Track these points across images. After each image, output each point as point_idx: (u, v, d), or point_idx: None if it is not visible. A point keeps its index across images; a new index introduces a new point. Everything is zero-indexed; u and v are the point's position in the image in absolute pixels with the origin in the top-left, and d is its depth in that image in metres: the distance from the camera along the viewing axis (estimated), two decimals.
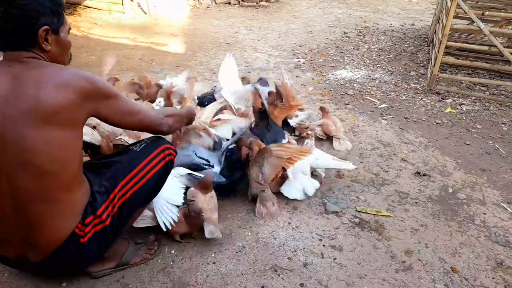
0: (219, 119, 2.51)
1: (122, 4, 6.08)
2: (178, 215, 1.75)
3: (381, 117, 3.31)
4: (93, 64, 4.05)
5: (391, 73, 4.39)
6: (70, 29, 1.34)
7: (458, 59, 4.67)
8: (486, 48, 3.94)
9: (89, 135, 2.07)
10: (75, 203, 1.30)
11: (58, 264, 1.38)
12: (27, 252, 1.30)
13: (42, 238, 1.27)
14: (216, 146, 2.29)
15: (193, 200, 1.80)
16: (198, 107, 2.64)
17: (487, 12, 3.64)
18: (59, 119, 1.16)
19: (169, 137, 2.11)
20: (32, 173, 1.17)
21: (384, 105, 3.54)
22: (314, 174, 2.32)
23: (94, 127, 2.17)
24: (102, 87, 1.26)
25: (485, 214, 2.18)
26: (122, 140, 2.16)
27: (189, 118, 1.74)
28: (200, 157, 2.11)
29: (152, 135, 1.61)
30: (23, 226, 1.24)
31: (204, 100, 2.81)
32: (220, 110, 2.65)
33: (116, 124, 1.40)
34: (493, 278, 1.75)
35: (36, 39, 1.20)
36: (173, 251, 1.76)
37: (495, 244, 1.96)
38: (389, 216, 2.10)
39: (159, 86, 2.87)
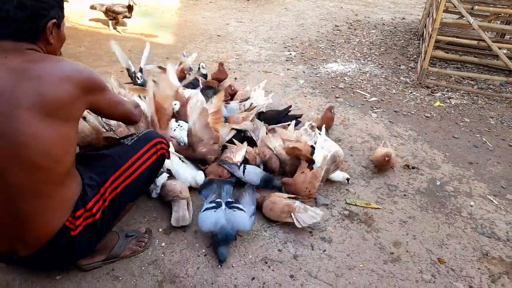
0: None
1: None
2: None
3: (371, 110, 3.33)
4: (81, 55, 3.98)
5: (382, 66, 4.41)
6: (65, 25, 1.35)
7: (447, 53, 4.72)
8: (475, 42, 3.98)
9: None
10: (67, 197, 1.29)
11: (48, 258, 1.37)
12: (17, 246, 1.29)
13: (33, 232, 1.25)
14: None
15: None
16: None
17: (476, 7, 3.67)
18: (61, 113, 1.16)
19: None
20: (25, 168, 1.15)
21: (374, 99, 3.56)
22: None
23: (84, 118, 2.13)
24: (99, 80, 1.28)
25: (471, 206, 2.22)
26: (112, 133, 2.14)
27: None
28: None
29: (145, 129, 1.63)
30: (13, 221, 1.22)
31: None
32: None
33: (109, 116, 1.44)
34: (478, 269, 1.79)
35: (43, 31, 1.21)
36: (163, 244, 1.76)
37: (481, 236, 2.00)
38: (378, 208, 2.12)
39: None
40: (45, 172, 1.18)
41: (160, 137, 1.59)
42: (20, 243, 1.28)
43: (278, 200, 1.92)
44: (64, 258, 1.42)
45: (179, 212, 1.84)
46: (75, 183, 1.32)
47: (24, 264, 1.48)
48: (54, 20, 1.22)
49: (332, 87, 3.74)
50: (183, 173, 2.07)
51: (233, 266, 1.67)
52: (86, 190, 1.34)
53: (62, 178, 1.24)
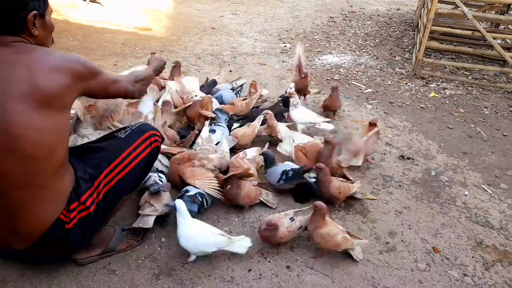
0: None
1: None
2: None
3: (366, 101, 3.33)
4: (74, 48, 3.94)
5: (377, 58, 4.40)
6: (52, 11, 1.33)
7: (442, 43, 4.71)
8: (470, 32, 3.98)
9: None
10: (61, 189, 1.29)
11: (43, 251, 1.37)
12: (12, 240, 1.28)
13: (27, 225, 1.25)
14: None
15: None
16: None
17: None
18: (55, 103, 1.16)
19: None
20: (19, 159, 1.15)
21: (369, 90, 3.56)
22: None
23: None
24: (91, 66, 1.27)
25: (466, 195, 2.24)
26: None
27: (159, 71, 1.79)
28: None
29: (138, 122, 1.61)
30: (7, 213, 1.22)
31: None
32: None
33: (103, 97, 1.46)
34: (472, 257, 1.81)
35: (25, 24, 1.19)
36: (159, 237, 1.76)
37: (475, 225, 2.02)
38: (373, 199, 2.13)
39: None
40: (39, 163, 1.18)
41: (153, 129, 1.59)
42: (14, 236, 1.27)
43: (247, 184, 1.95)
44: (59, 252, 1.42)
45: (144, 217, 1.74)
46: (68, 174, 1.31)
47: (20, 258, 1.48)
48: (35, 12, 1.19)
49: (328, 79, 3.73)
50: None
51: (229, 258, 1.68)
52: (79, 183, 1.34)
53: (56, 169, 1.24)
